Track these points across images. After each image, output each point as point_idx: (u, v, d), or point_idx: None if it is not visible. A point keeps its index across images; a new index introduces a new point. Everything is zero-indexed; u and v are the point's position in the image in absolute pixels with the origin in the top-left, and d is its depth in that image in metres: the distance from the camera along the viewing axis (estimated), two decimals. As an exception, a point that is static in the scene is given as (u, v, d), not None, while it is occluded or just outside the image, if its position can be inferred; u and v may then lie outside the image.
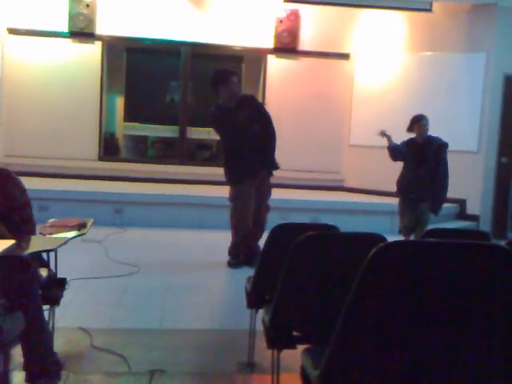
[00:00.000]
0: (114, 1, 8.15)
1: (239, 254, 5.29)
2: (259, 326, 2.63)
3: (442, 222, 7.26)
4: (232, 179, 5.26)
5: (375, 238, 2.01)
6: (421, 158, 5.59)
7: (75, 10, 7.98)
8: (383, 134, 5.73)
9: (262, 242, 2.71)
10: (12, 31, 8.05)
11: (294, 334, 2.27)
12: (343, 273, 1.72)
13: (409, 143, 5.69)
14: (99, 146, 8.50)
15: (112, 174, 8.14)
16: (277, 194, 7.69)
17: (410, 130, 5.61)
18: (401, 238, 5.70)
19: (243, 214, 5.22)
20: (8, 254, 2.18)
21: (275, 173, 5.37)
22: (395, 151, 5.72)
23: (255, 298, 2.75)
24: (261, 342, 2.63)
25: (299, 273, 2.16)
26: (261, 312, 2.63)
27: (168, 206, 6.97)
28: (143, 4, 8.21)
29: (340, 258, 2.11)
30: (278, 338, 2.25)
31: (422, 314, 1.48)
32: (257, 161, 5.18)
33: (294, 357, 2.10)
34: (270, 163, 5.27)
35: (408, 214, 5.74)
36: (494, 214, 7.84)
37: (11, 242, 2.26)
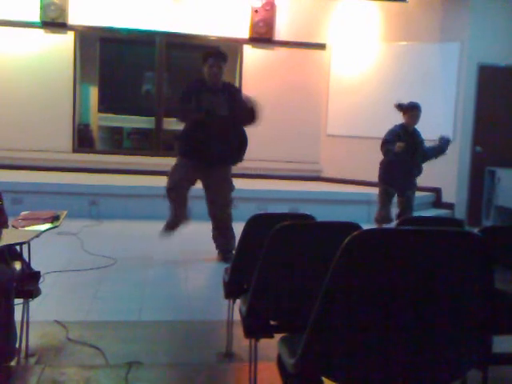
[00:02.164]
0: (86, -10, 8.02)
1: (174, 226, 5.16)
2: (237, 316, 2.63)
3: (418, 210, 7.35)
4: (180, 149, 5.12)
5: (351, 227, 2.01)
6: (415, 146, 5.62)
7: (47, -1, 7.82)
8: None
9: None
10: (-18, 21, 7.88)
11: (272, 323, 2.27)
12: (319, 261, 1.72)
13: (404, 131, 5.62)
14: (73, 138, 8.37)
15: (87, 165, 8.05)
16: (255, 185, 7.74)
17: (403, 111, 5.58)
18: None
19: (174, 182, 5.02)
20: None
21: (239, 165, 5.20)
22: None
23: (233, 288, 2.75)
24: (239, 332, 2.63)
25: (276, 262, 2.16)
26: (238, 302, 2.63)
27: (144, 198, 6.91)
28: (116, -7, 8.09)
29: (316, 247, 2.11)
30: (256, 328, 2.25)
31: (398, 301, 1.49)
32: (213, 150, 4.88)
33: (271, 346, 2.10)
34: (228, 156, 5.03)
35: (389, 205, 5.80)
36: (469, 203, 7.96)
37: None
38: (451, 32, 7.83)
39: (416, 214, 6.76)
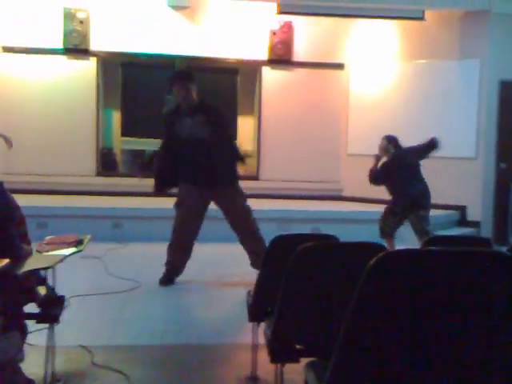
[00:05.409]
0: (107, 17, 8.17)
1: (173, 272, 5.04)
2: (262, 340, 2.60)
3: (443, 229, 7.24)
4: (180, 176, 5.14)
5: (375, 248, 1.99)
6: (400, 170, 5.68)
7: (69, 26, 7.99)
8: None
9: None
10: (7, 49, 8.06)
11: (297, 347, 2.24)
12: (344, 283, 1.70)
13: (391, 162, 5.86)
14: (97, 162, 8.49)
15: (110, 189, 8.12)
16: (276, 205, 7.72)
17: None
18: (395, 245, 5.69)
19: (182, 225, 5.07)
20: (4, 272, 2.16)
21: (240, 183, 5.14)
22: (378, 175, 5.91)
23: (257, 310, 2.72)
24: (264, 356, 2.59)
25: (299, 284, 2.14)
26: (263, 325, 2.60)
27: (168, 220, 6.87)
28: (137, 19, 8.23)
29: (340, 267, 2.08)
30: (281, 352, 2.22)
31: (425, 324, 1.46)
32: (202, 170, 4.87)
33: (297, 371, 2.07)
34: (222, 175, 4.91)
35: (387, 218, 5.75)
36: (494, 220, 7.81)
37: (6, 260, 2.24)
38: (471, 49, 7.78)
39: (441, 232, 6.67)
